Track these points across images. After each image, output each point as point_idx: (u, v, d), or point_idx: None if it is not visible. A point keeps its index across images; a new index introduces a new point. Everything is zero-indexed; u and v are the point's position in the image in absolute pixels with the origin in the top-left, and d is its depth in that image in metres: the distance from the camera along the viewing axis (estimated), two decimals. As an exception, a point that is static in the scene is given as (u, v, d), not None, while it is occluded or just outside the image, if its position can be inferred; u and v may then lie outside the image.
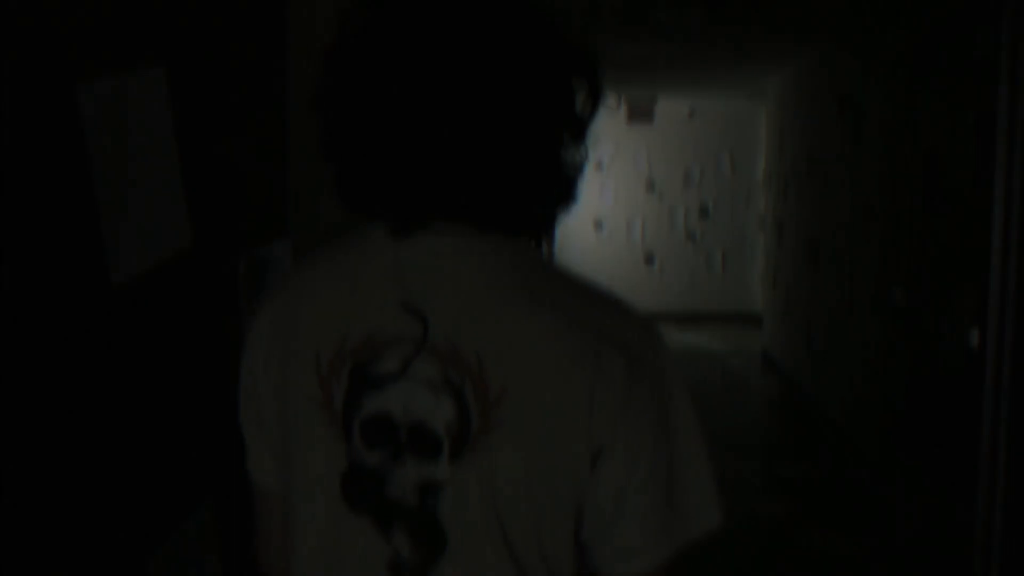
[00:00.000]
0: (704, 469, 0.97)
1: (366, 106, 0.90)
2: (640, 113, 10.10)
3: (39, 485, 0.94)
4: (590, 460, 0.91)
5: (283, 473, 1.01)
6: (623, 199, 10.75)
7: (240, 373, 1.04)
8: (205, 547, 1.29)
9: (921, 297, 3.81)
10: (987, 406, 3.14)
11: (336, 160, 0.95)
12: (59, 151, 0.97)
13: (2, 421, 0.88)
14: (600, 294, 0.96)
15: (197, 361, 1.30)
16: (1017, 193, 3.01)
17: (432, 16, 0.89)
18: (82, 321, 1.01)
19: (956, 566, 3.37)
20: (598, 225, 10.75)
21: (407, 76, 0.88)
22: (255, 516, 1.09)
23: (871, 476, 4.98)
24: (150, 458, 1.16)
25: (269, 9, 1.57)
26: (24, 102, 0.91)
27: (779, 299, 8.11)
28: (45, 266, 0.95)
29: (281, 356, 0.98)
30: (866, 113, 5.34)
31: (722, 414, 6.34)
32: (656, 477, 0.93)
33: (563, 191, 0.95)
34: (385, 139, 0.90)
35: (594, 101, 0.94)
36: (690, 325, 9.79)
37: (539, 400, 0.90)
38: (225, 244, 1.38)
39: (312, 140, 1.91)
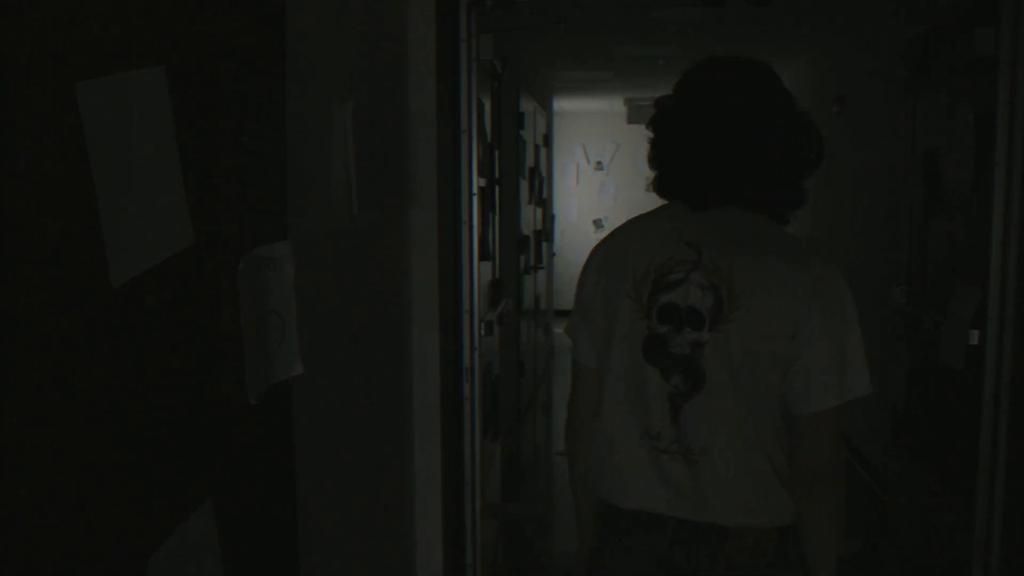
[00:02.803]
0: (863, 357, 1.61)
1: (684, 145, 1.71)
2: (640, 113, 10.08)
3: (38, 485, 0.94)
4: (792, 335, 1.58)
5: (601, 352, 1.75)
6: (623, 199, 10.74)
7: (578, 292, 1.81)
8: (205, 547, 1.29)
9: (921, 297, 3.81)
10: (987, 406, 3.14)
11: (662, 170, 1.75)
12: (59, 151, 0.97)
13: (1, 422, 0.88)
14: (804, 249, 1.71)
15: (197, 361, 1.30)
16: (1017, 193, 3.01)
17: (726, 89, 1.68)
18: (82, 321, 1.01)
19: (956, 566, 3.37)
20: (598, 224, 10.73)
21: (711, 127, 1.67)
22: (572, 388, 1.84)
23: (871, 476, 4.98)
24: (150, 458, 1.16)
25: (269, 9, 1.57)
26: (24, 102, 0.91)
27: (779, 299, 8.07)
28: (44, 266, 0.95)
29: (609, 273, 1.74)
30: (866, 113, 5.34)
31: (722, 414, 6.30)
32: (832, 351, 1.59)
33: (796, 200, 1.73)
34: (694, 160, 1.70)
35: (820, 155, 1.70)
36: (690, 325, 9.74)
37: (763, 295, 1.59)
38: (225, 244, 1.38)
39: (311, 140, 1.91)
